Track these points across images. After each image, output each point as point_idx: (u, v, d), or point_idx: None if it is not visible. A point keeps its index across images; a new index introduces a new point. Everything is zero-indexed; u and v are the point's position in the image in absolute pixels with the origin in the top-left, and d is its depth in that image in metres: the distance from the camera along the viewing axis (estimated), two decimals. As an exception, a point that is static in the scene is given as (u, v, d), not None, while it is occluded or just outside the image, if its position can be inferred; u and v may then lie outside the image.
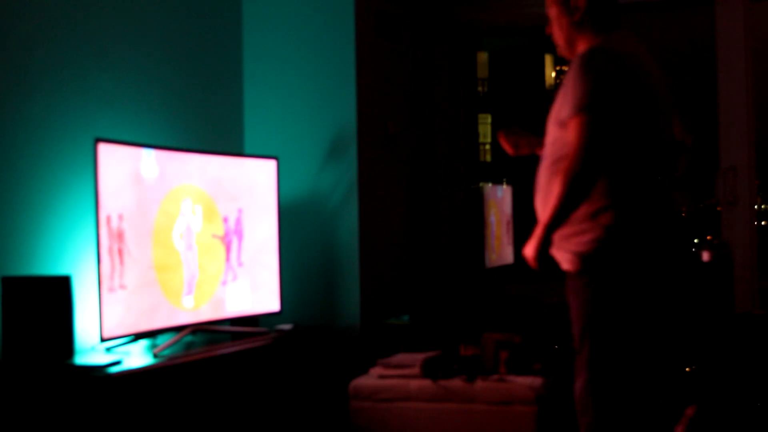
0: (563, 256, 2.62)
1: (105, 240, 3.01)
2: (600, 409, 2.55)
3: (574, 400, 2.63)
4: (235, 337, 3.62)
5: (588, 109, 2.46)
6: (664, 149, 2.63)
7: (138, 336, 3.20)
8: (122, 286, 3.07)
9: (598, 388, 2.55)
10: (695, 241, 4.05)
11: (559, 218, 2.52)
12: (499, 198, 5.05)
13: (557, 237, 2.61)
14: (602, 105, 2.46)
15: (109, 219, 3.03)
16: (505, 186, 5.25)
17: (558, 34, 2.70)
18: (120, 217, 3.08)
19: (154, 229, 3.25)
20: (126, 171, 3.14)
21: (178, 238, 3.39)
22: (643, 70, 2.56)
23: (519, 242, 5.41)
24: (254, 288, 3.80)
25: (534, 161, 2.82)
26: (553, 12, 2.68)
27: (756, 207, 4.67)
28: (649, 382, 2.61)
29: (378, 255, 4.38)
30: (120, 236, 3.08)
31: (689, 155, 2.79)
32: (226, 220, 3.65)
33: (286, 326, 3.80)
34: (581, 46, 2.64)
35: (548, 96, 6.25)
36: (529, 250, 2.60)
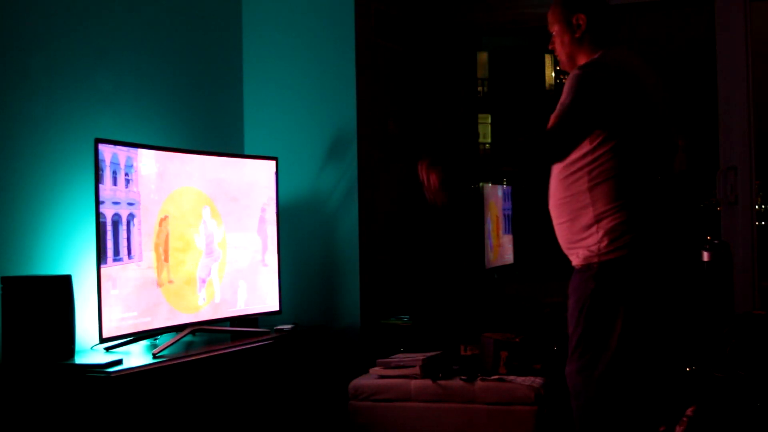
0: (574, 255, 2.74)
1: (152, 239, 3.21)
2: (590, 396, 2.66)
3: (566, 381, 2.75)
4: (235, 337, 3.62)
5: (571, 108, 2.59)
6: (662, 153, 2.76)
7: (138, 336, 3.20)
8: (170, 281, 3.32)
9: (587, 378, 2.66)
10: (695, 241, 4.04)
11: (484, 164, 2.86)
12: (499, 198, 5.04)
13: (567, 241, 2.76)
14: (586, 109, 2.59)
15: (160, 220, 3.24)
16: (505, 186, 5.26)
17: (560, 49, 2.85)
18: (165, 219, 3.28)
19: (155, 230, 3.25)
20: (125, 171, 3.14)
21: (179, 239, 3.39)
22: (640, 82, 2.70)
23: (519, 242, 5.42)
24: (254, 288, 3.80)
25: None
26: (555, 29, 2.84)
27: (756, 207, 4.66)
28: (644, 381, 2.70)
29: (378, 255, 4.37)
30: (167, 236, 3.29)
31: (683, 155, 2.92)
32: (262, 220, 3.81)
33: (286, 326, 3.81)
34: (581, 61, 2.79)
35: (548, 96, 6.25)
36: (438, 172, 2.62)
